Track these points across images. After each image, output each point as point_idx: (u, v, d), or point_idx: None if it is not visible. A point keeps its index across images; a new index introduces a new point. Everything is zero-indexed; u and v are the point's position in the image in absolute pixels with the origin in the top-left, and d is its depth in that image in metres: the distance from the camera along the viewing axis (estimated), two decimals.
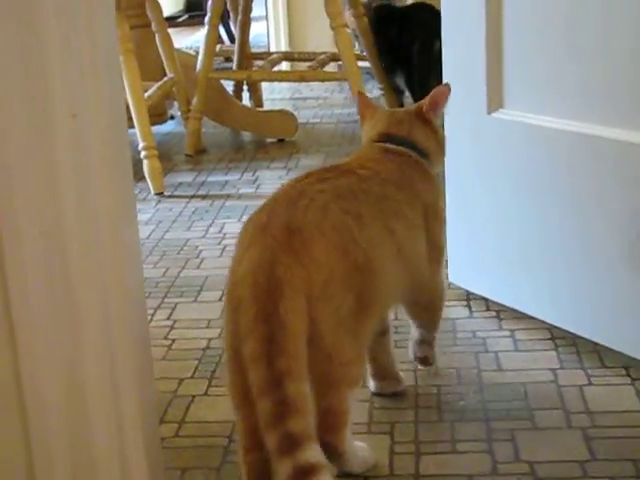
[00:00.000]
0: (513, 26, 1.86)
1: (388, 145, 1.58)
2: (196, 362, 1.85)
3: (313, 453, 1.19)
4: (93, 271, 1.23)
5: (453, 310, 2.01)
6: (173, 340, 1.96)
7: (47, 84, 1.14)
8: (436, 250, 1.59)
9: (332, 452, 1.34)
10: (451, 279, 2.11)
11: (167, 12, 3.60)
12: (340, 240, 1.33)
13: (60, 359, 1.19)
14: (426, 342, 1.71)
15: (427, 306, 1.66)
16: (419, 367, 1.76)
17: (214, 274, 2.30)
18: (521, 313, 1.96)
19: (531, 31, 1.83)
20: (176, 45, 3.54)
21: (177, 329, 2.01)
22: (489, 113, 1.93)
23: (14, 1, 1.08)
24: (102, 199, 1.25)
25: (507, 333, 1.90)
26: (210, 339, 1.95)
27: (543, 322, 1.91)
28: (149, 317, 2.03)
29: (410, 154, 1.58)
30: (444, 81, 2.01)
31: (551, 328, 1.89)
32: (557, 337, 1.87)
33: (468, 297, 2.07)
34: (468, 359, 1.81)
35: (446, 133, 2.02)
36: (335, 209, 1.35)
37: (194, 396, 1.73)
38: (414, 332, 1.71)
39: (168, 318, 2.06)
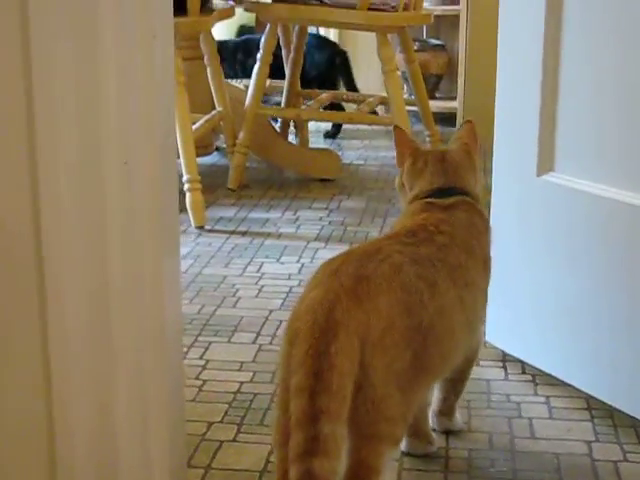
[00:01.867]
0: (569, 90, 1.85)
1: (452, 200, 1.55)
2: (226, 406, 1.84)
3: None
4: (132, 302, 1.23)
5: (488, 371, 1.99)
6: (204, 381, 1.94)
7: (101, 129, 1.14)
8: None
9: None
10: (487, 338, 2.08)
11: (218, 38, 3.63)
12: (407, 299, 1.33)
13: (94, 390, 1.18)
14: (445, 414, 1.72)
15: (463, 362, 1.64)
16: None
17: (249, 315, 2.29)
18: (557, 379, 1.93)
19: (585, 97, 1.82)
20: None
21: (209, 370, 2.00)
22: (539, 175, 1.91)
23: (74, 34, 1.08)
24: (147, 235, 1.25)
25: (542, 399, 1.87)
26: (242, 383, 1.93)
27: (579, 391, 1.88)
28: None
29: (472, 205, 1.56)
30: (495, 139, 2.00)
31: (587, 398, 1.86)
32: (593, 407, 1.83)
33: (504, 358, 2.05)
34: (501, 424, 1.78)
35: (494, 190, 2.02)
36: (409, 271, 1.35)
37: (222, 441, 1.71)
38: (435, 401, 1.72)
39: (201, 357, 2.05)
